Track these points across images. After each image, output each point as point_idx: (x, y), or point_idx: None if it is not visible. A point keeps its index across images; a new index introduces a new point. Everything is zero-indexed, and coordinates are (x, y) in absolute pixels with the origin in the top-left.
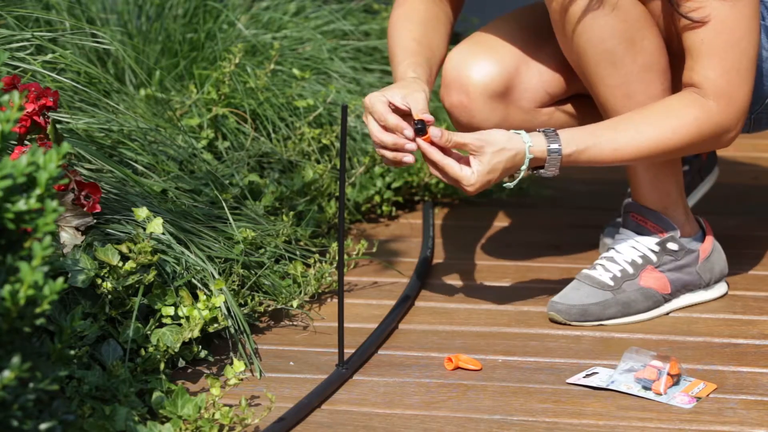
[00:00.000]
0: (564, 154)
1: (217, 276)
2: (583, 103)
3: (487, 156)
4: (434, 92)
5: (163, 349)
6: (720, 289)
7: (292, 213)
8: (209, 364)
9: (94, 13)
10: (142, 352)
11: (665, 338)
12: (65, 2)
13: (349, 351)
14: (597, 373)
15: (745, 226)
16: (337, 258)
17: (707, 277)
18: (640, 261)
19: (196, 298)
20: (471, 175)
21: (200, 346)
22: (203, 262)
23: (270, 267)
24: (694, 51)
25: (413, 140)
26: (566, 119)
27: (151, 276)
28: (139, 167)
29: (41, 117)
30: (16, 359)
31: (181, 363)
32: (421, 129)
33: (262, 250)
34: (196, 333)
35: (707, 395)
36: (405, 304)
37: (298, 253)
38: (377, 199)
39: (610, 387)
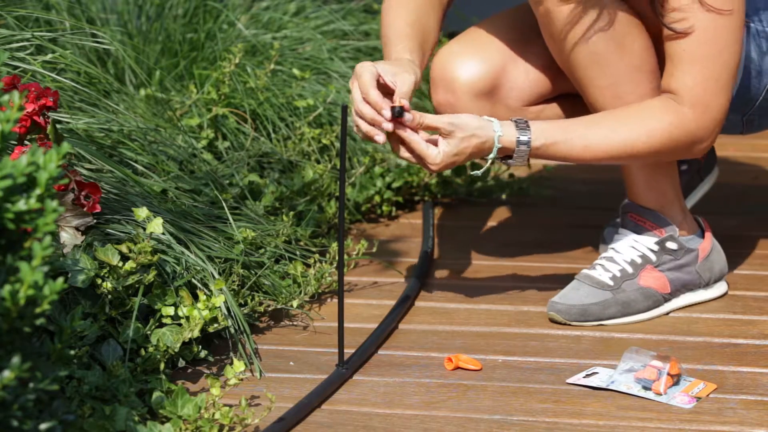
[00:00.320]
0: (533, 147)
1: (217, 276)
2: (572, 101)
3: (456, 140)
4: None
5: (163, 349)
6: (720, 288)
7: (292, 213)
8: (209, 364)
9: (94, 13)
10: (142, 352)
11: (665, 338)
12: (65, 2)
13: (349, 351)
14: (597, 373)
15: (745, 226)
16: (337, 258)
17: (707, 276)
18: (639, 261)
19: (196, 298)
20: (437, 155)
21: (200, 346)
22: (203, 262)
23: (270, 267)
24: (675, 58)
25: (390, 121)
26: (554, 118)
27: (151, 276)
28: (139, 167)
29: (41, 117)
30: (16, 359)
31: (181, 363)
32: (398, 113)
33: (262, 250)
34: (196, 333)
35: (707, 395)
36: (405, 304)
37: (298, 253)
38: (377, 199)
39: (610, 387)
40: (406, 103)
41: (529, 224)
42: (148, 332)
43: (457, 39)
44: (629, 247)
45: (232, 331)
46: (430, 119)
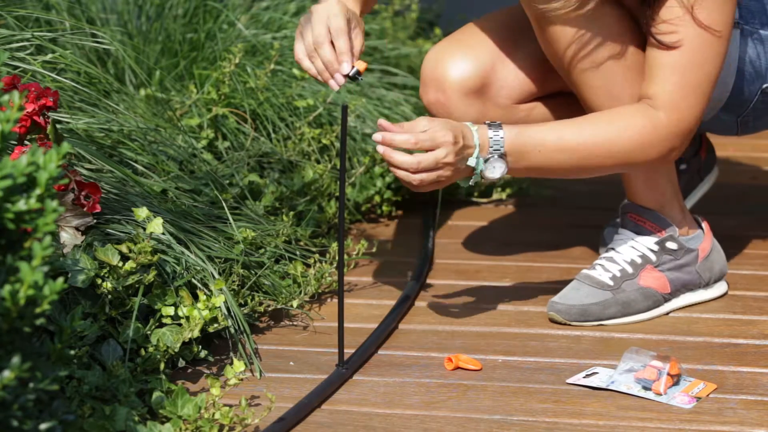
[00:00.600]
0: (506, 138)
1: (217, 276)
2: (562, 100)
3: (431, 132)
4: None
5: (163, 349)
6: (720, 288)
7: (292, 213)
8: (209, 364)
9: (94, 13)
10: (142, 352)
11: (665, 338)
12: (65, 2)
13: (349, 351)
14: (597, 373)
15: (745, 226)
16: (337, 258)
17: (707, 276)
18: (639, 261)
19: (196, 298)
20: (413, 161)
21: (200, 346)
22: (203, 262)
23: (270, 267)
24: (656, 64)
25: (344, 77)
26: (545, 116)
27: (151, 276)
28: (139, 167)
29: (41, 117)
30: (16, 359)
31: (181, 363)
32: (354, 77)
33: (262, 250)
34: (196, 333)
35: (707, 395)
36: (405, 304)
37: (298, 253)
38: (377, 199)
39: (610, 387)
40: (362, 64)
41: (529, 224)
42: (148, 332)
43: (447, 38)
44: (629, 247)
45: (232, 331)
46: (399, 140)
